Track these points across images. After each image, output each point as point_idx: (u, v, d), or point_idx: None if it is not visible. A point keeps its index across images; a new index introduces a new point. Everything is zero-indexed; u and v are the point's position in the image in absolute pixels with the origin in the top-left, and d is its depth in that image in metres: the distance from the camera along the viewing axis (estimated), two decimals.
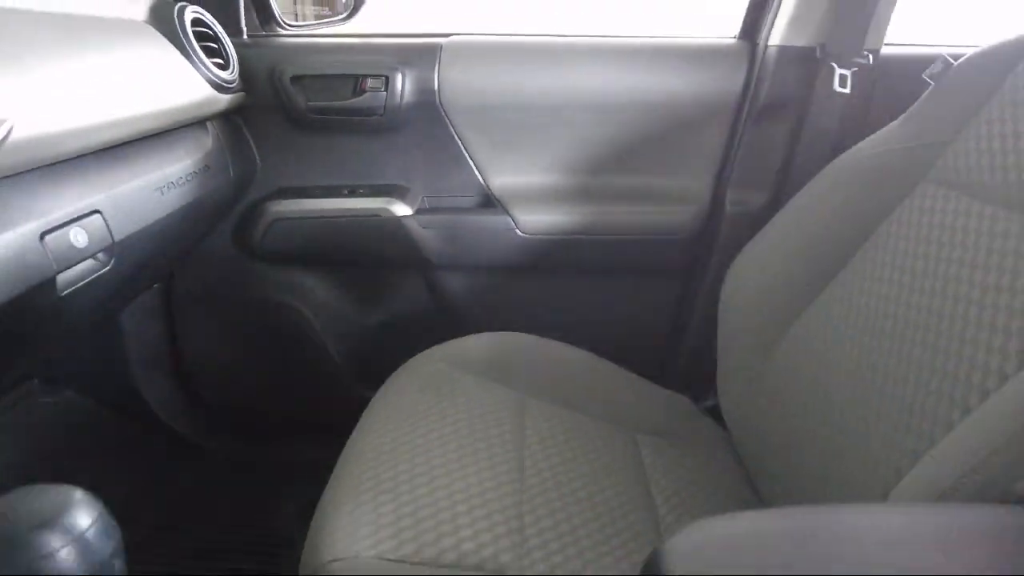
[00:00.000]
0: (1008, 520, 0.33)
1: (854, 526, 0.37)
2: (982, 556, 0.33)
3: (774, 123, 1.04)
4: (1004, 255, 0.59)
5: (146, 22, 0.87)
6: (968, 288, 0.61)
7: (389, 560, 0.59)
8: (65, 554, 0.32)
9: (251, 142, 1.09)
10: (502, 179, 1.12)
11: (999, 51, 0.72)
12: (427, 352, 0.94)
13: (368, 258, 1.14)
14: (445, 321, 1.17)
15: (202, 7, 0.97)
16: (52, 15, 0.70)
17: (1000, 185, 0.63)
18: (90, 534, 0.33)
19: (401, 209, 1.08)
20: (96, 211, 0.70)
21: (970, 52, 0.76)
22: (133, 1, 0.87)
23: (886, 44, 1.03)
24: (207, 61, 0.92)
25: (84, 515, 0.34)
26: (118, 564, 0.36)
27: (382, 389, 0.87)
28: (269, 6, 1.12)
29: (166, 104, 0.82)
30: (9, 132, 0.54)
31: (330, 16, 1.28)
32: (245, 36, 1.08)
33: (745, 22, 1.07)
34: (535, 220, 1.10)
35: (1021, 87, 0.66)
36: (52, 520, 0.32)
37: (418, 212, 1.10)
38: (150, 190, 0.80)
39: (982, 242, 0.62)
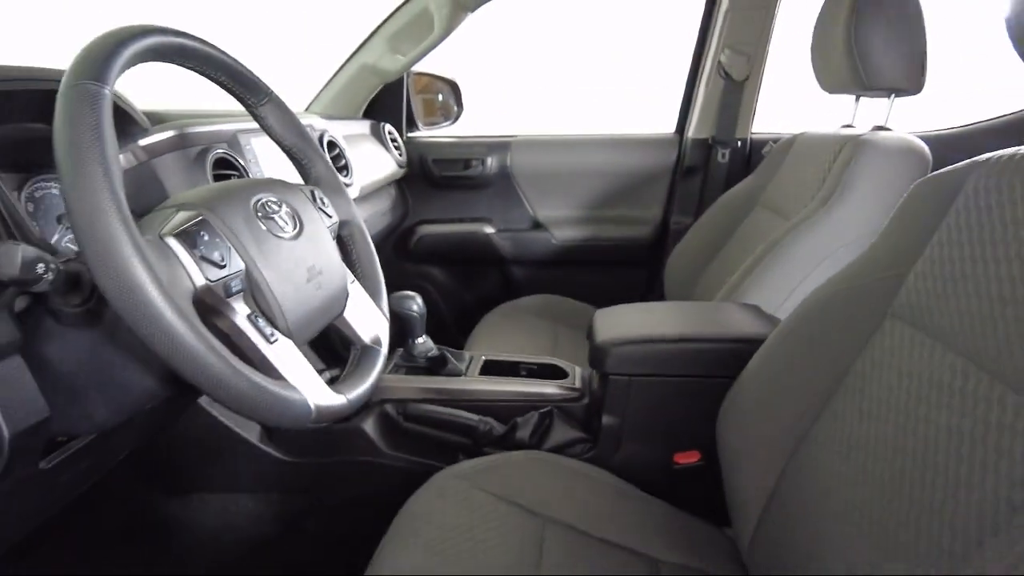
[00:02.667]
0: None
1: None
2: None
3: (692, 179, 1.86)
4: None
5: (369, 134, 1.77)
6: None
7: None
8: (416, 308, 1.16)
9: (407, 195, 1.97)
10: (544, 212, 1.96)
11: (781, 143, 1.54)
12: (500, 306, 1.76)
13: (469, 258, 1.98)
14: (510, 292, 1.99)
15: (388, 122, 1.87)
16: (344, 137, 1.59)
17: (784, 205, 1.43)
18: (421, 303, 1.17)
19: (488, 229, 1.94)
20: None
21: (784, 137, 1.56)
22: (362, 124, 1.78)
23: (756, 132, 1.86)
24: (394, 151, 1.81)
25: (419, 296, 1.18)
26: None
27: (482, 320, 1.70)
28: (414, 119, 2.02)
29: (383, 174, 1.69)
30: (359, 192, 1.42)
31: (440, 121, 2.18)
32: (405, 136, 1.97)
33: (677, 123, 1.92)
34: (563, 234, 1.94)
35: (794, 163, 1.46)
36: (410, 297, 1.16)
37: (497, 231, 1.95)
38: (379, 215, 1.68)
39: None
